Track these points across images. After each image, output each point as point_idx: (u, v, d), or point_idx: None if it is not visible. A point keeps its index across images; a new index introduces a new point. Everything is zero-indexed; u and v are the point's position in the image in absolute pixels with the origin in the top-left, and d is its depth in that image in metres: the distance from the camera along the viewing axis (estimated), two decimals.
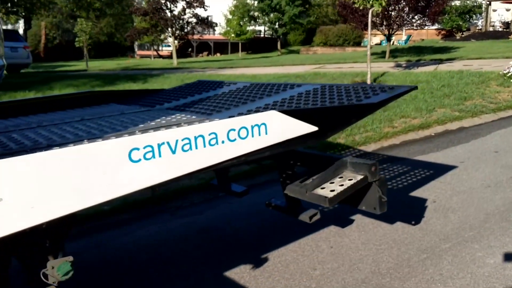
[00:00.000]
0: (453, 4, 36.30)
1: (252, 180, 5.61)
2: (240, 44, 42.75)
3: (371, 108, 2.86)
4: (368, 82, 10.88)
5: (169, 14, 28.99)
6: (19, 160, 1.68)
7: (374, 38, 37.95)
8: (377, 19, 20.13)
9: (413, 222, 4.13)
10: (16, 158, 1.68)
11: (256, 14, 40.78)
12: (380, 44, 35.75)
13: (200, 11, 30.36)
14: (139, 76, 15.07)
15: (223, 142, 2.18)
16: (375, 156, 6.37)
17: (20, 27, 42.64)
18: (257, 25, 42.35)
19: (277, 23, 39.80)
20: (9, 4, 25.02)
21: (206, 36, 43.04)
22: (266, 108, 3.03)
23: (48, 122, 3.29)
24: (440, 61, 16.83)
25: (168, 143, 2.01)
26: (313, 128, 2.50)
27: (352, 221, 4.25)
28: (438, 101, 9.27)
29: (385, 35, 21.36)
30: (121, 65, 28.00)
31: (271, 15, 39.27)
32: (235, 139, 2.21)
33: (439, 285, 3.10)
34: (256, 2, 40.11)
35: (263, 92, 3.66)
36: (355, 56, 23.27)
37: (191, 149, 2.08)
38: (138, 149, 1.93)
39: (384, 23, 20.26)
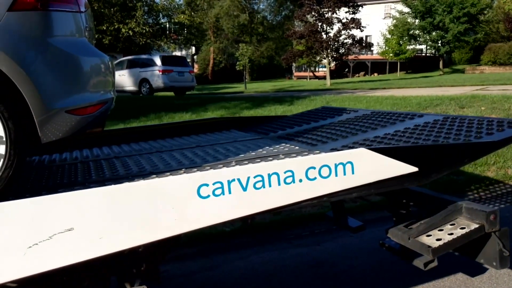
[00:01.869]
0: None
1: (381, 212, 5.27)
2: (398, 63, 41.27)
3: (489, 147, 2.45)
4: None
5: (324, 36, 29.30)
6: (90, 192, 1.79)
7: None
8: None
9: None
10: (88, 190, 1.79)
11: (416, 32, 38.92)
12: None
13: (356, 32, 30.11)
14: (287, 98, 15.40)
15: (300, 180, 2.05)
16: None
17: (191, 52, 47.05)
18: (417, 43, 40.37)
19: (439, 42, 37.46)
20: (182, 36, 27.93)
21: (363, 56, 42.51)
22: (375, 141, 2.81)
23: (167, 148, 3.51)
24: None
25: (239, 179, 1.96)
26: (411, 169, 2.22)
27: (484, 270, 3.69)
28: None
29: None
30: (276, 87, 29.07)
31: (433, 33, 37.10)
32: (315, 178, 2.07)
33: None
34: (417, 21, 38.30)
35: (379, 122, 3.43)
36: None
37: (263, 187, 2.00)
38: (207, 185, 1.92)
39: None
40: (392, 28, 40.28)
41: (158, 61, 21.06)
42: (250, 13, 51.29)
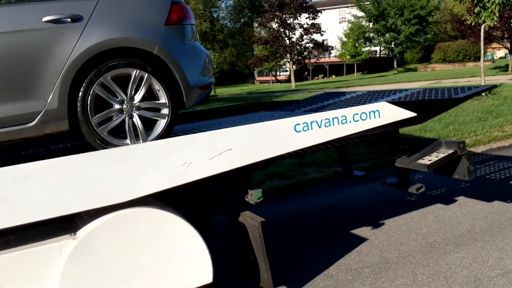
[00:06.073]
0: None
1: (375, 173, 6.68)
2: (355, 65, 43.52)
3: (457, 101, 3.89)
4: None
5: (287, 41, 31.00)
6: (237, 129, 3.06)
7: (498, 51, 36.46)
8: (498, 32, 19.92)
9: (509, 201, 4.92)
10: (235, 128, 3.05)
11: (371, 35, 41.35)
12: (504, 57, 34.22)
13: (316, 36, 31.97)
14: (265, 97, 16.83)
15: (350, 121, 3.39)
16: (483, 156, 7.07)
17: None
18: (372, 45, 42.83)
19: (393, 43, 39.99)
20: None
21: (321, 60, 44.53)
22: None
23: (230, 122, 4.75)
24: None
25: (316, 121, 3.28)
26: (412, 114, 3.60)
27: (455, 200, 5.15)
28: None
29: (507, 48, 20.90)
30: (245, 90, 30.49)
31: (387, 35, 39.60)
32: (358, 120, 3.42)
33: None
34: (371, 24, 40.75)
35: (378, 95, 4.81)
36: (475, 71, 22.92)
37: (330, 125, 3.32)
38: (299, 124, 3.22)
39: (505, 35, 19.93)
40: (348, 31, 42.56)
41: None
42: (211, 21, 52.54)
